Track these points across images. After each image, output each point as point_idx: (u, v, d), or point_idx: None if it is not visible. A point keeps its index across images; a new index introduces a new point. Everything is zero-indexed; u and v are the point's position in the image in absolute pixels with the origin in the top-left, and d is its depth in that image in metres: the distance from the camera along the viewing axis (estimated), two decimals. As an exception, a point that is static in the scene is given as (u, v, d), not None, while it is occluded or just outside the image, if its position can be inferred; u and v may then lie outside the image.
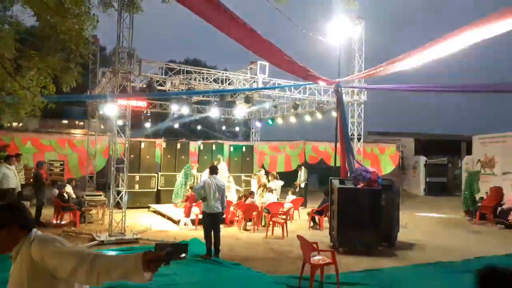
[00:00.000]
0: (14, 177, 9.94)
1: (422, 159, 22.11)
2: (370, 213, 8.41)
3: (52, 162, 14.40)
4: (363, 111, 13.01)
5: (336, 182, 9.14)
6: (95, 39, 12.59)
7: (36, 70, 3.69)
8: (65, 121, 22.50)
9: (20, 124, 11.66)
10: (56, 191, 10.88)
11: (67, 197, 10.78)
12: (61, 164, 14.62)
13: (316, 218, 11.30)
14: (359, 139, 13.08)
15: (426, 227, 12.01)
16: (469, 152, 17.91)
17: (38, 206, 10.58)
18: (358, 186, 8.74)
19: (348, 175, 9.71)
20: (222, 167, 12.95)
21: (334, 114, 12.70)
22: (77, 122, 22.63)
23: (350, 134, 12.12)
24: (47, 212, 11.11)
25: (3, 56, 3.33)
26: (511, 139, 14.90)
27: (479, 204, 13.29)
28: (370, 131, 23.98)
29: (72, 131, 19.76)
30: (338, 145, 10.37)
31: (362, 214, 8.37)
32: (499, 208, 12.50)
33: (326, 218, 10.90)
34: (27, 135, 14.88)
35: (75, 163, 15.42)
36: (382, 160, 20.19)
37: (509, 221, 11.82)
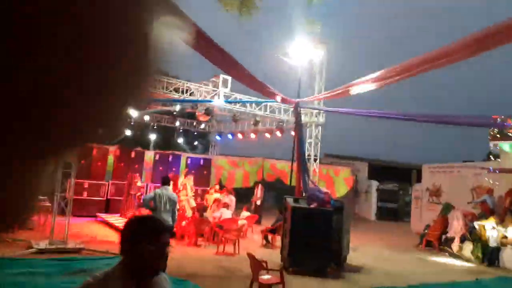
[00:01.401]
0: None
1: (375, 184, 22.77)
2: (321, 234, 8.46)
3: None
4: (321, 132, 13.28)
5: (290, 201, 9.16)
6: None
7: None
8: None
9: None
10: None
11: None
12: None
13: (269, 236, 11.23)
14: (315, 160, 13.30)
15: (375, 251, 12.25)
16: (419, 180, 18.67)
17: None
18: (311, 206, 8.80)
19: (303, 195, 9.77)
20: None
21: (293, 133, 12.86)
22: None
23: (307, 155, 12.28)
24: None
25: None
26: (457, 170, 15.69)
27: (426, 231, 13.78)
28: (326, 153, 24.51)
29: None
30: (295, 164, 10.45)
31: (313, 234, 8.40)
32: (444, 237, 13.01)
33: (279, 237, 10.86)
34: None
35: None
36: (337, 182, 20.58)
37: (453, 249, 12.31)
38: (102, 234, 10.64)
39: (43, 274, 6.58)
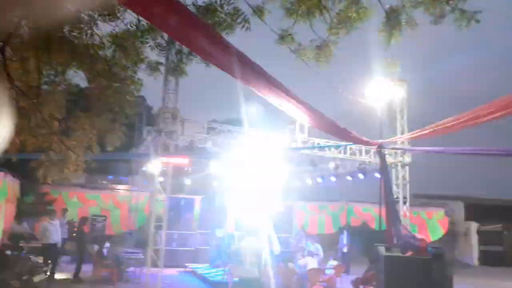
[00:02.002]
0: (55, 232, 10.15)
1: (474, 225, 20.58)
2: (421, 285, 7.69)
3: (94, 217, 14.72)
4: (408, 172, 12.50)
5: (382, 249, 8.55)
6: (141, 99, 13.32)
7: (82, 130, 3.85)
8: (110, 177, 23.31)
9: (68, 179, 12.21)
10: (97, 247, 10.96)
11: (106, 254, 10.81)
12: (103, 219, 14.89)
13: (361, 287, 10.51)
14: (404, 202, 12.45)
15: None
16: (527, 218, 16.49)
17: (79, 261, 10.65)
18: (406, 254, 8.11)
19: (395, 242, 9.09)
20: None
21: (376, 174, 12.28)
22: (121, 178, 23.37)
23: (395, 197, 11.56)
24: (86, 268, 11.13)
25: (52, 117, 3.51)
26: None
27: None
28: (415, 194, 22.84)
29: (116, 186, 20.35)
30: (383, 208, 9.87)
31: (412, 286, 7.68)
32: None
33: (370, 288, 10.12)
34: (73, 190, 15.42)
35: (117, 218, 15.68)
36: (430, 226, 18.98)
37: None
38: (191, 285, 10.82)
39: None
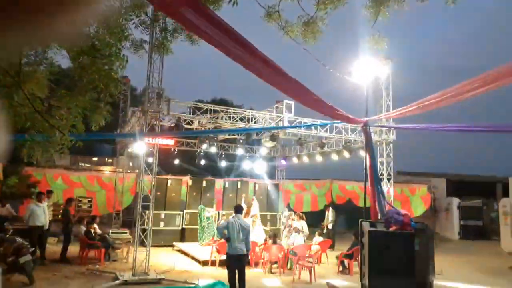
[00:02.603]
0: (42, 215, 10.07)
1: (455, 201, 21.16)
2: (404, 258, 7.94)
3: (80, 199, 14.62)
4: (392, 150, 12.68)
5: (366, 225, 8.74)
6: (126, 79, 13.07)
7: (66, 109, 3.77)
8: (94, 158, 23.07)
9: (52, 160, 12.03)
10: (83, 228, 10.93)
11: (93, 234, 10.79)
12: (89, 201, 14.82)
13: (345, 262, 10.79)
14: (388, 179, 12.67)
15: (464, 275, 11.24)
16: (505, 194, 17.00)
17: (65, 243, 10.62)
18: (390, 229, 8.32)
19: (379, 217, 9.30)
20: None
21: (361, 153, 12.43)
22: (106, 159, 23.15)
23: (379, 175, 11.75)
24: (73, 249, 11.12)
25: (35, 96, 3.42)
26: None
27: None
28: (399, 171, 23.29)
29: (101, 168, 20.16)
30: (368, 185, 10.03)
31: (394, 260, 7.91)
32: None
33: (356, 262, 10.41)
34: (58, 172, 15.24)
35: (103, 200, 15.60)
36: (413, 202, 19.45)
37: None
38: (180, 263, 10.93)
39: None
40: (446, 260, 13.18)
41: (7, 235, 8.82)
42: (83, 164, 20.53)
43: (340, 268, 10.82)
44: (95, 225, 11.09)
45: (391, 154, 12.62)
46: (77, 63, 3.71)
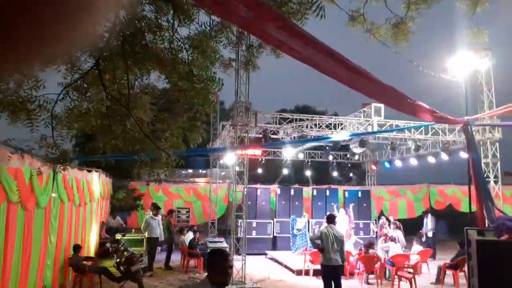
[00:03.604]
0: (157, 227, 10.94)
1: None
2: (521, 271, 7.09)
3: (179, 210, 15.63)
4: (498, 149, 11.47)
5: (472, 233, 7.99)
6: (215, 95, 13.71)
7: (170, 131, 4.09)
8: (190, 171, 24.55)
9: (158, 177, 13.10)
10: (184, 238, 11.65)
11: (197, 242, 11.43)
12: (187, 211, 15.77)
13: (449, 272, 9.97)
14: (495, 182, 11.48)
15: None
16: None
17: (168, 252, 11.41)
18: (501, 238, 7.50)
19: (487, 225, 8.44)
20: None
21: (462, 154, 11.47)
22: (200, 171, 24.50)
23: (485, 176, 10.70)
24: (174, 257, 11.90)
25: (142, 120, 3.77)
26: None
27: None
28: (507, 172, 20.89)
29: (196, 179, 21.38)
30: (472, 188, 9.18)
31: (509, 272, 7.10)
32: None
33: (461, 273, 9.57)
34: (158, 185, 16.48)
35: (199, 210, 16.51)
36: (527, 205, 17.31)
37: None
38: (274, 272, 11.05)
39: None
40: None
41: (120, 246, 9.76)
42: (179, 177, 21.96)
43: (443, 280, 10.01)
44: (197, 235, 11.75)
45: (497, 154, 11.43)
46: (175, 86, 4.01)
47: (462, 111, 9.34)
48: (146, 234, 10.85)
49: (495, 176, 11.51)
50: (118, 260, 8.65)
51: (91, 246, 10.57)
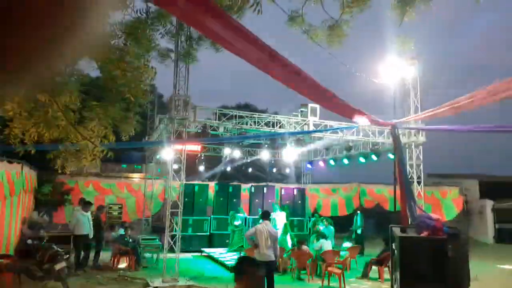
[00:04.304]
0: (87, 223, 10.30)
1: (489, 203, 20.39)
2: (437, 265, 7.71)
3: (111, 206, 14.97)
4: (422, 152, 12.37)
5: (396, 230, 8.54)
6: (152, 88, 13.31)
7: (97, 120, 3.87)
8: (124, 166, 23.60)
9: (84, 170, 12.38)
10: (114, 235, 11.17)
11: (128, 238, 11.01)
12: (119, 208, 15.15)
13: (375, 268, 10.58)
14: (419, 182, 12.36)
15: (501, 281, 10.80)
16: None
17: (97, 249, 10.87)
18: (421, 234, 8.09)
19: (410, 222, 9.07)
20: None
21: (390, 155, 12.20)
22: (135, 166, 23.64)
23: (409, 177, 11.48)
24: (105, 256, 11.38)
25: (68, 108, 3.53)
26: None
27: None
28: (429, 173, 22.63)
29: (130, 175, 20.60)
30: (397, 188, 9.82)
31: (427, 267, 7.68)
32: None
33: (386, 268, 10.19)
34: (89, 179, 15.68)
35: (132, 206, 15.92)
36: (444, 205, 18.91)
37: None
38: (208, 269, 10.99)
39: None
40: (481, 265, 12.70)
41: (43, 242, 9.13)
42: (113, 172, 21.04)
43: (370, 275, 10.60)
44: (129, 232, 11.31)
45: (421, 156, 12.32)
46: (106, 74, 3.81)
47: (391, 115, 9.94)
48: (74, 232, 10.17)
49: (418, 177, 12.39)
50: (40, 258, 8.08)
51: (11, 243, 9.76)
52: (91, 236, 10.49)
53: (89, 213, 10.55)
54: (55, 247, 8.40)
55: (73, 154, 3.92)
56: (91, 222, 10.54)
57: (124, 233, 11.06)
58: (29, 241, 9.37)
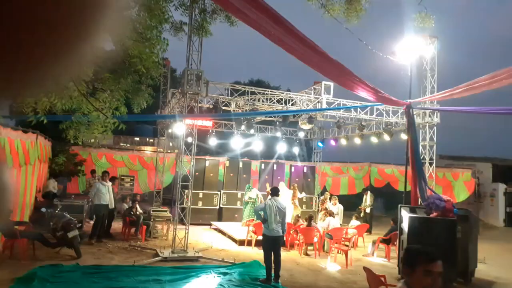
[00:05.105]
0: (107, 194, 10.41)
1: (501, 186, 20.18)
2: (444, 246, 7.70)
3: (123, 178, 15.20)
4: (436, 133, 12.19)
5: (406, 210, 8.54)
6: (166, 62, 13.25)
7: (109, 92, 3.86)
8: (136, 138, 23.84)
9: (97, 141, 12.52)
10: (126, 206, 11.38)
11: (134, 212, 11.21)
12: (131, 180, 15.38)
13: (383, 246, 10.64)
14: (430, 164, 12.23)
15: (508, 262, 10.79)
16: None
17: (109, 219, 11.12)
18: (431, 215, 8.08)
19: (420, 203, 9.05)
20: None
21: (402, 136, 12.05)
22: (147, 139, 23.86)
23: (421, 158, 11.36)
24: (116, 225, 11.65)
25: (79, 79, 3.52)
26: None
27: None
28: (441, 155, 22.37)
29: (143, 148, 20.82)
30: (408, 169, 9.74)
31: (435, 247, 7.67)
32: None
33: (393, 248, 10.24)
34: (102, 151, 15.90)
35: (144, 178, 16.15)
36: (456, 187, 18.76)
37: None
38: (217, 242, 11.19)
39: (167, 281, 7.14)
40: (490, 248, 12.68)
41: (56, 211, 9.35)
42: (125, 144, 21.27)
43: (377, 253, 10.68)
44: (137, 205, 11.49)
45: (435, 138, 12.15)
46: (119, 46, 3.78)
47: (406, 95, 9.76)
48: (95, 201, 10.31)
49: (431, 158, 12.25)
50: (54, 226, 8.31)
51: (26, 210, 10.03)
52: (111, 206, 10.63)
53: (110, 184, 10.67)
54: (67, 215, 8.61)
55: (85, 125, 3.95)
56: (112, 193, 10.66)
57: (131, 205, 11.24)
58: (43, 209, 9.61)
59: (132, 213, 10.99)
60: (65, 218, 8.41)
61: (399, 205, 8.90)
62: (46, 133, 11.86)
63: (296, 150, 18.02)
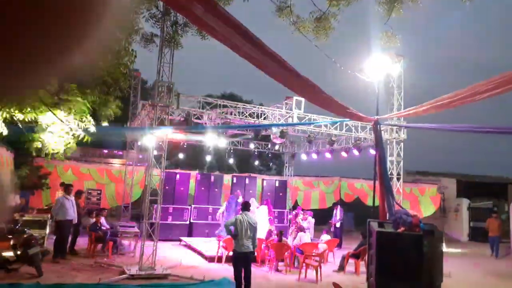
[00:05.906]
0: (71, 208, 9.94)
1: (465, 201, 20.90)
2: (411, 260, 7.84)
3: (90, 191, 14.73)
4: (402, 149, 12.53)
5: (374, 225, 8.65)
6: (136, 73, 13.08)
7: (75, 103, 3.75)
8: (105, 151, 23.23)
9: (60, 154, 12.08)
10: (92, 220, 11.00)
11: (99, 226, 10.85)
12: (98, 193, 14.93)
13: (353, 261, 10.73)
14: (398, 179, 12.54)
15: (473, 278, 11.09)
16: (517, 196, 16.73)
17: (74, 234, 10.70)
18: (398, 230, 8.22)
19: (388, 217, 9.20)
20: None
21: (371, 151, 12.32)
22: (116, 152, 23.30)
23: (388, 173, 11.63)
24: (82, 241, 11.22)
25: (44, 89, 3.41)
26: None
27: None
28: (408, 171, 23.00)
29: (111, 160, 20.31)
30: (377, 184, 9.93)
31: (402, 262, 7.82)
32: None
33: (362, 262, 10.34)
34: (68, 164, 15.38)
35: (112, 192, 15.71)
36: (422, 202, 19.28)
37: None
38: (186, 258, 10.95)
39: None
40: (455, 262, 13.01)
41: (17, 227, 8.92)
42: (93, 157, 20.68)
43: (346, 268, 10.74)
44: (102, 219, 11.13)
45: (401, 153, 12.48)
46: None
47: (374, 111, 10.00)
48: (58, 217, 9.83)
49: (398, 174, 12.56)
50: (14, 242, 7.90)
51: (-17, 226, 9.51)
52: (75, 221, 10.20)
53: (73, 198, 10.26)
54: (29, 231, 8.22)
55: (48, 137, 3.80)
56: (75, 207, 10.23)
57: (94, 220, 10.87)
58: (2, 225, 9.14)
59: (98, 228, 10.63)
60: (26, 234, 8.02)
61: (368, 220, 9.02)
62: (9, 144, 11.38)
63: (268, 164, 18.08)
